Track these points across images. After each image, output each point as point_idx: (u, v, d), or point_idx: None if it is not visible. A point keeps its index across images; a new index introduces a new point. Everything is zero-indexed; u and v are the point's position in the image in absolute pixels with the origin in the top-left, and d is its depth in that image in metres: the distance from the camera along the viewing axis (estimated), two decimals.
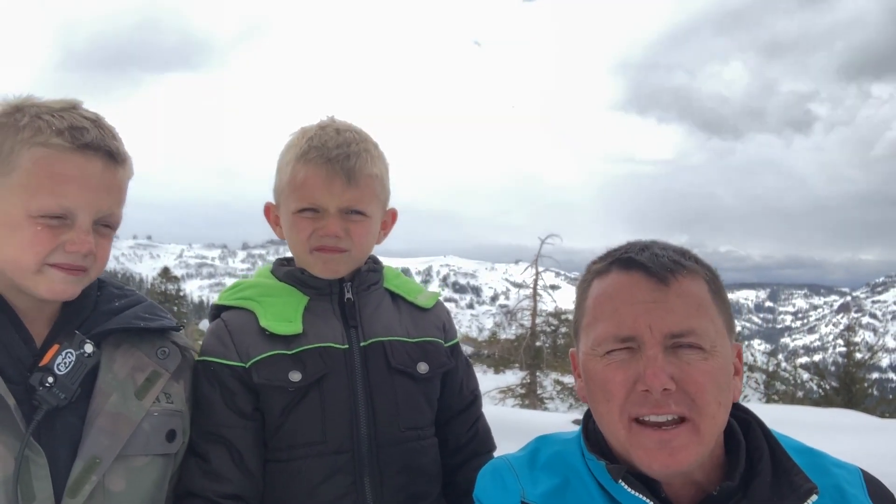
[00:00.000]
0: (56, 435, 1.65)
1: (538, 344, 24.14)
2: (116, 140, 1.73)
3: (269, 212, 2.14)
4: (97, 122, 1.71)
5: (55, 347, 1.68)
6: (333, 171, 1.96)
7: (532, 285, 24.13)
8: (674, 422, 1.34)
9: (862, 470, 1.49)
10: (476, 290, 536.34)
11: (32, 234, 1.62)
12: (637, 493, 1.36)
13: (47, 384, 1.63)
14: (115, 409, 1.74)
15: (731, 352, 1.43)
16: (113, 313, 1.83)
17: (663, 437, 1.34)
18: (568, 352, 1.65)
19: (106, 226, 1.74)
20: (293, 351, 1.93)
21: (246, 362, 1.92)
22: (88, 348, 1.72)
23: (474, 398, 2.25)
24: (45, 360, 1.66)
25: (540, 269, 23.65)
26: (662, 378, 1.32)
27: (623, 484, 1.37)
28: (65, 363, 1.67)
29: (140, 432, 1.75)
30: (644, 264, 1.41)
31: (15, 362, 1.66)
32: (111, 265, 1.77)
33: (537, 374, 24.15)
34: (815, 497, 1.34)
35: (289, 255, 2.22)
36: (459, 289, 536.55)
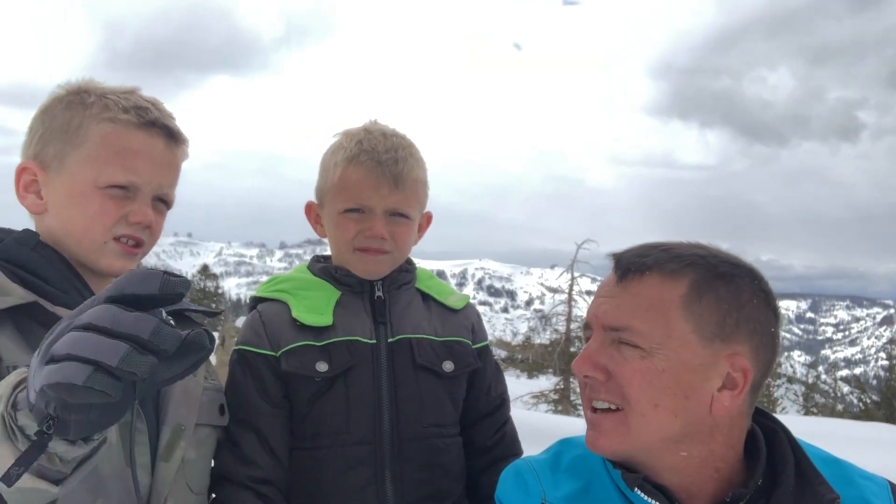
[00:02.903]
0: (144, 403, 1.70)
1: (573, 349, 24.03)
2: (175, 121, 1.82)
3: (311, 210, 2.18)
4: (157, 104, 1.80)
5: None
6: (382, 174, 2.01)
7: (567, 290, 24.05)
8: (610, 410, 1.39)
9: (891, 483, 1.45)
10: (511, 294, 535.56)
11: (100, 204, 1.68)
12: (654, 502, 1.36)
13: None
14: (182, 383, 1.79)
15: (703, 359, 1.34)
16: None
17: (593, 420, 1.41)
18: None
19: (162, 202, 1.81)
20: (322, 343, 1.97)
21: (277, 351, 1.97)
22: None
23: (502, 402, 2.25)
24: None
25: (576, 274, 23.58)
26: (583, 365, 1.39)
27: (639, 492, 1.37)
28: None
29: (202, 405, 1.83)
30: (618, 261, 1.45)
31: None
32: (152, 261, 1.83)
33: (571, 379, 24.04)
34: None
35: (326, 253, 2.26)
36: (494, 292, 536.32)
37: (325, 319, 2.00)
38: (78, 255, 1.72)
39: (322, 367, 1.94)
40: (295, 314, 2.00)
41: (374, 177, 2.01)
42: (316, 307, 2.03)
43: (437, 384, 2.05)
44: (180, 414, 1.76)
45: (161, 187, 1.77)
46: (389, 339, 2.03)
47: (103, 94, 1.73)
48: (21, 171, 1.75)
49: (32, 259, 1.68)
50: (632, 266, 1.40)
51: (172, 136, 1.79)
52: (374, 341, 2.01)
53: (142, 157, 1.72)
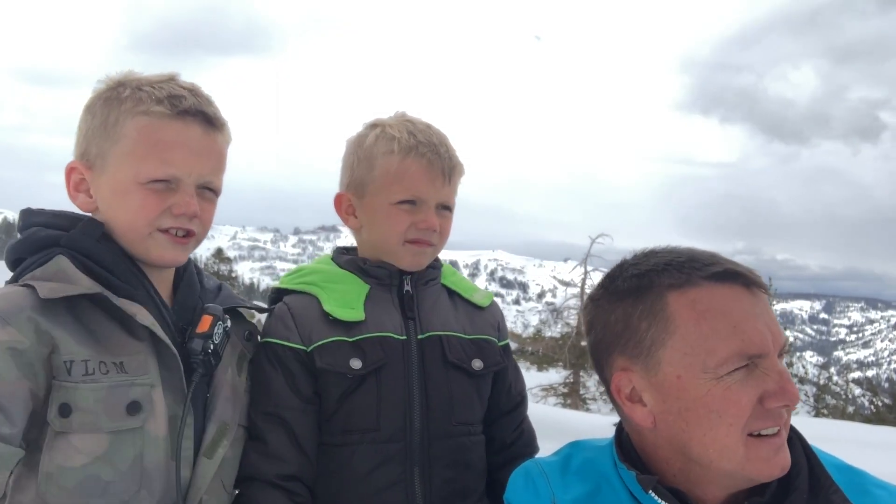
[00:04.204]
0: (195, 399, 1.74)
1: (583, 343, 23.94)
2: (213, 106, 1.80)
3: (342, 201, 2.14)
4: (194, 90, 1.78)
5: (210, 318, 1.78)
6: (439, 167, 2.01)
7: (580, 284, 23.99)
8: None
9: None
10: (523, 287, 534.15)
11: (142, 199, 1.69)
12: None
13: (209, 350, 1.74)
14: (232, 382, 1.85)
15: None
16: (213, 293, 1.93)
17: (775, 443, 1.32)
18: None
19: (209, 190, 1.80)
20: (354, 338, 1.96)
21: (308, 346, 1.95)
22: (228, 323, 1.84)
23: (521, 399, 2.26)
24: (205, 328, 1.76)
25: (589, 268, 23.50)
26: (797, 391, 1.31)
27: (653, 494, 1.36)
28: (218, 334, 1.78)
29: (243, 406, 1.88)
30: (744, 274, 1.36)
31: (168, 325, 1.75)
32: None
33: (581, 374, 24.00)
34: None
35: (344, 243, 2.26)
36: (506, 284, 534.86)
37: (357, 314, 1.98)
38: (129, 249, 1.74)
39: (356, 363, 1.93)
40: (327, 308, 1.98)
41: (432, 169, 2.00)
42: (346, 301, 2.01)
43: (467, 382, 2.04)
44: (227, 412, 1.79)
45: (202, 176, 1.76)
46: (419, 336, 2.02)
47: (138, 86, 1.73)
48: (70, 171, 1.76)
49: (99, 250, 1.70)
50: (760, 282, 1.37)
51: (210, 122, 1.77)
52: (404, 337, 2.00)
53: (178, 147, 1.71)
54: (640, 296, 1.40)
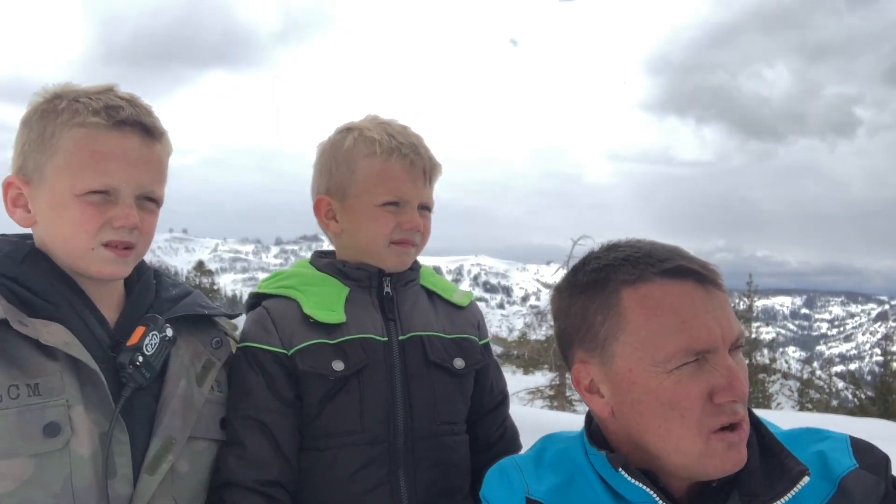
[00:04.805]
0: (134, 414, 1.70)
1: None
2: (152, 116, 1.77)
3: (321, 205, 2.12)
4: (132, 100, 1.75)
5: (142, 329, 1.73)
6: (420, 167, 2.04)
7: None
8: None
9: (850, 437, 1.48)
10: (507, 290, 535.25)
11: (79, 213, 1.66)
12: (637, 482, 1.36)
13: (137, 363, 1.69)
14: (184, 393, 1.80)
15: None
16: (173, 301, 1.89)
17: (732, 439, 1.33)
18: None
19: (150, 200, 1.77)
20: (335, 340, 1.94)
21: (288, 349, 1.93)
22: (169, 332, 1.78)
23: (503, 398, 2.27)
24: (135, 340, 1.71)
25: None
26: (747, 385, 1.32)
27: (623, 472, 1.37)
28: (151, 344, 1.72)
29: (202, 417, 1.82)
30: (696, 271, 1.38)
31: (96, 341, 1.70)
32: (147, 258, 1.84)
33: (566, 375, 24.05)
34: (806, 479, 1.32)
35: (323, 248, 2.25)
36: (490, 288, 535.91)
37: (338, 316, 1.98)
38: (69, 264, 1.72)
39: (338, 365, 1.92)
40: (307, 310, 1.97)
41: (414, 170, 2.02)
42: (327, 303, 2.00)
43: (449, 382, 2.05)
44: (174, 426, 1.74)
45: (142, 186, 1.73)
46: (401, 337, 2.02)
47: (75, 98, 1.70)
48: (7, 186, 1.74)
49: (21, 272, 1.68)
50: (713, 273, 1.39)
51: (148, 133, 1.74)
52: (386, 339, 2.00)
53: (115, 158, 1.68)
54: (597, 290, 1.43)
